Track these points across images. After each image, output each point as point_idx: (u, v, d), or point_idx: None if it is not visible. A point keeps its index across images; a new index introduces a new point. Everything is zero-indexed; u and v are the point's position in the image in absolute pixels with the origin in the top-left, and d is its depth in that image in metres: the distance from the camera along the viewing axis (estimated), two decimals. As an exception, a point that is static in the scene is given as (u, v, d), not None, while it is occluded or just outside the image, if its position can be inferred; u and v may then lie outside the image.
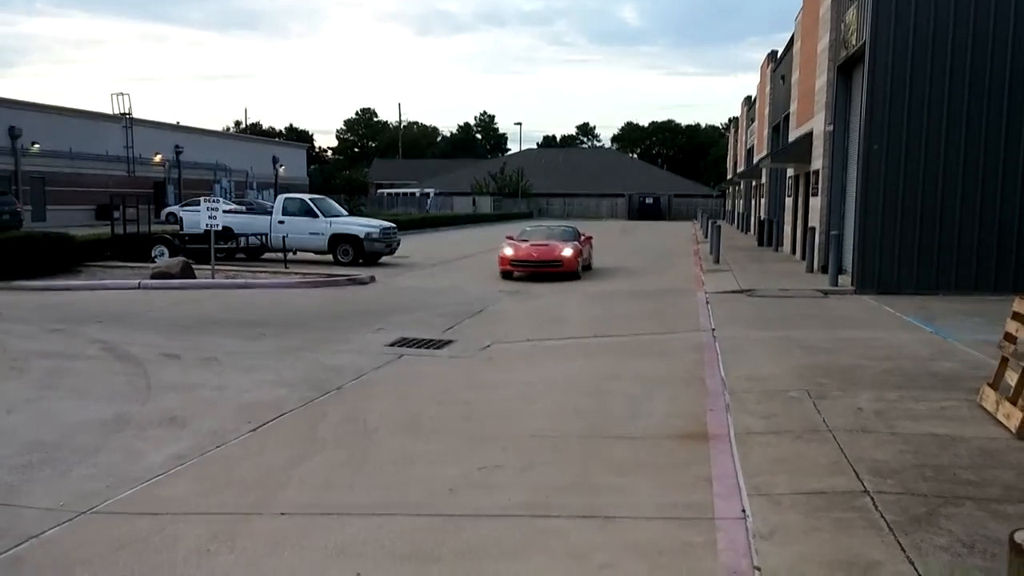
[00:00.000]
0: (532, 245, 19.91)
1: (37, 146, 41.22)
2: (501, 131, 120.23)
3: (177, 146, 51.19)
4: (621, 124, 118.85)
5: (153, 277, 17.68)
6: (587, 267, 21.19)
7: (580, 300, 15.83)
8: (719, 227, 24.74)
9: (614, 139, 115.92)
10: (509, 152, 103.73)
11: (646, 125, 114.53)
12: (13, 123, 40.26)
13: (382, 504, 5.19)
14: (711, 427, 6.81)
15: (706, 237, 30.86)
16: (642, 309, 14.58)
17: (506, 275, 19.31)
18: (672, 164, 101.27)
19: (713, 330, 11.66)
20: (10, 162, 40.08)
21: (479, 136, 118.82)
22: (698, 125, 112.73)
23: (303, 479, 5.76)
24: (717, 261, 22.64)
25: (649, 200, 74.45)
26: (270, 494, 5.43)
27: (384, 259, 23.24)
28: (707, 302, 14.69)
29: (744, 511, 4.90)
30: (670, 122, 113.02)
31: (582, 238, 21.22)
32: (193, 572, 4.28)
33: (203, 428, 6.97)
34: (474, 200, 69.48)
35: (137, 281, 17.38)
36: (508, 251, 19.56)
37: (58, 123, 43.27)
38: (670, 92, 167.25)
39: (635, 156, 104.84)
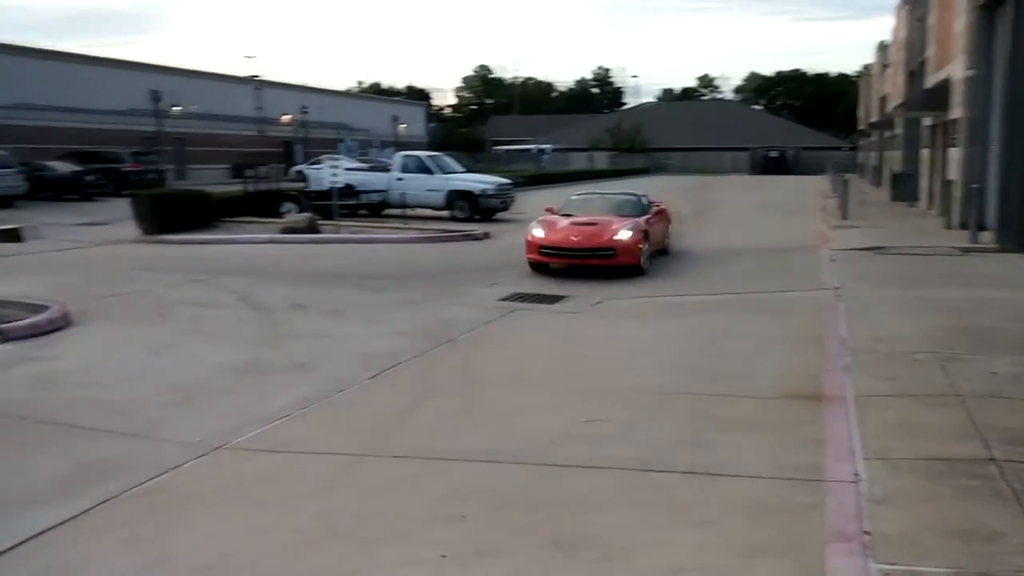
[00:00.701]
0: (573, 224, 13.48)
1: (178, 108, 43.67)
2: (618, 85, 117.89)
3: (303, 106, 53.04)
4: (744, 74, 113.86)
5: (282, 232, 18.57)
6: (662, 251, 15.10)
7: (694, 256, 15.53)
8: (847, 181, 23.58)
9: (737, 90, 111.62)
10: (626, 106, 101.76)
11: (772, 75, 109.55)
12: (155, 87, 42.77)
13: (489, 451, 5.35)
14: (828, 388, 6.61)
15: (834, 192, 29.47)
16: (761, 266, 14.16)
17: (537, 267, 13.35)
18: (799, 115, 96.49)
19: (837, 288, 11.20)
20: (154, 123, 42.68)
21: (596, 91, 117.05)
22: (827, 74, 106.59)
23: (416, 425, 5.99)
24: (845, 217, 21.61)
25: (774, 154, 71.50)
26: (385, 438, 5.69)
27: (499, 215, 23.45)
28: (832, 259, 14.10)
29: (857, 474, 4.75)
30: (797, 71, 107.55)
31: (652, 212, 14.76)
32: (312, 507, 4.57)
33: (326, 374, 7.34)
34: (590, 156, 68.78)
35: (268, 236, 18.29)
36: (538, 232, 13.31)
37: (195, 86, 45.68)
38: (797, 39, 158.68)
39: (759, 108, 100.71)
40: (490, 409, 6.38)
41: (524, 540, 4.12)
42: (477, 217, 22.42)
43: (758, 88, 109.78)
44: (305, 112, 53.02)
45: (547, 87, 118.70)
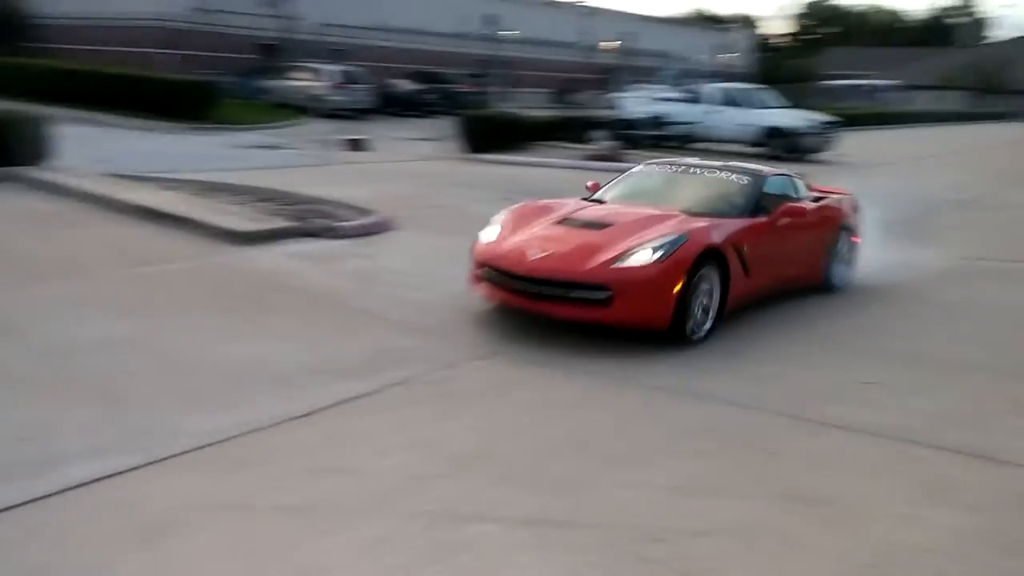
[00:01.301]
0: (560, 223, 6.85)
1: (513, 33, 46.03)
2: (983, 16, 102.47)
3: (626, 33, 53.12)
4: None
5: (586, 159, 19.11)
6: (814, 286, 7.95)
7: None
8: None
9: None
10: (990, 40, 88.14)
11: None
12: (491, 11, 45.39)
13: (748, 395, 5.27)
14: None
15: None
16: None
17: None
18: None
19: None
20: (486, 47, 45.50)
21: (955, 21, 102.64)
22: None
23: (682, 362, 5.99)
24: None
25: None
26: (648, 368, 5.80)
27: (815, 156, 21.96)
28: None
29: None
30: None
31: (776, 211, 7.11)
32: (566, 421, 4.90)
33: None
34: (941, 96, 61.02)
35: (571, 161, 18.95)
36: (489, 234, 7.11)
37: (525, 11, 47.71)
38: None
39: None
40: (754, 357, 6.23)
41: (759, 487, 4.08)
42: (789, 156, 21.22)
43: None
44: (628, 39, 53.12)
45: (895, 17, 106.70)
